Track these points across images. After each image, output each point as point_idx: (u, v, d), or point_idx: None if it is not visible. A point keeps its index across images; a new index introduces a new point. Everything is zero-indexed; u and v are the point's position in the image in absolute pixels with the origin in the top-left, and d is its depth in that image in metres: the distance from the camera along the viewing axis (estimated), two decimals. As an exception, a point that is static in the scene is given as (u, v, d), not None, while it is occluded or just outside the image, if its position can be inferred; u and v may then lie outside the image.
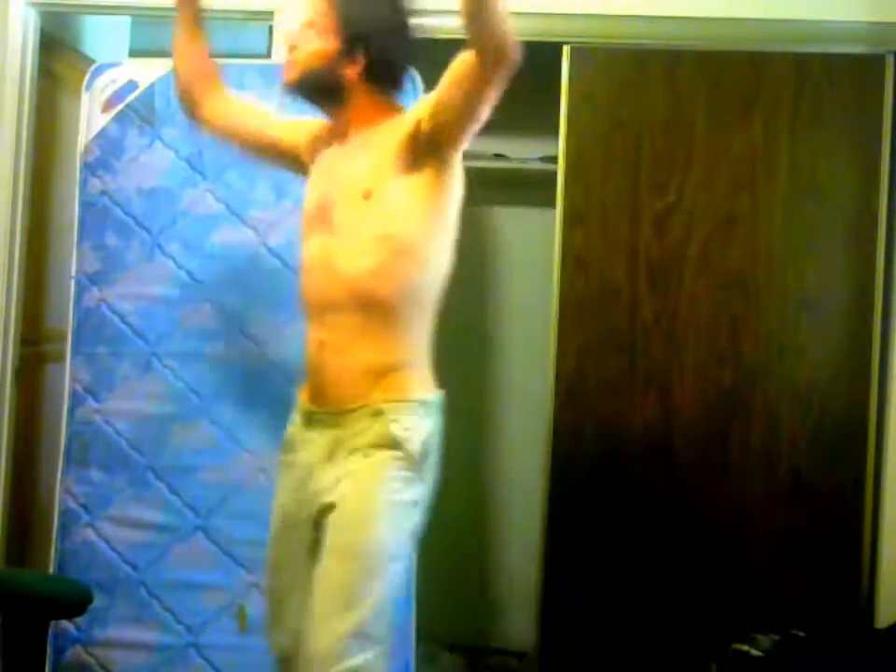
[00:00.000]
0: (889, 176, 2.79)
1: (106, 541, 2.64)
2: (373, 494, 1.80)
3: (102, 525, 2.65)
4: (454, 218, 1.92)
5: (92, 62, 2.97)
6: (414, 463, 1.82)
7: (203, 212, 2.70)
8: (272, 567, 1.99)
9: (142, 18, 3.23)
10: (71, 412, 2.70)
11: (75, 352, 2.72)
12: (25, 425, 3.07)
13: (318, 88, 1.96)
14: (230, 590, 2.57)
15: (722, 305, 2.81)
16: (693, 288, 2.81)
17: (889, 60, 2.77)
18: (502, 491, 3.53)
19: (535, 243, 3.30)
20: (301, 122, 2.14)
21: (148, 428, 2.66)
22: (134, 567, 2.62)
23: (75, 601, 2.08)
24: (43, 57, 3.02)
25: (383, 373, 1.86)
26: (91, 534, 2.64)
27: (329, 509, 1.82)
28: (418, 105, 1.93)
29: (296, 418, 1.98)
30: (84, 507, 2.66)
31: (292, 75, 1.96)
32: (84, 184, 2.75)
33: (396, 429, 1.82)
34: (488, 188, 3.45)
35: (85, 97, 2.78)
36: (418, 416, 1.85)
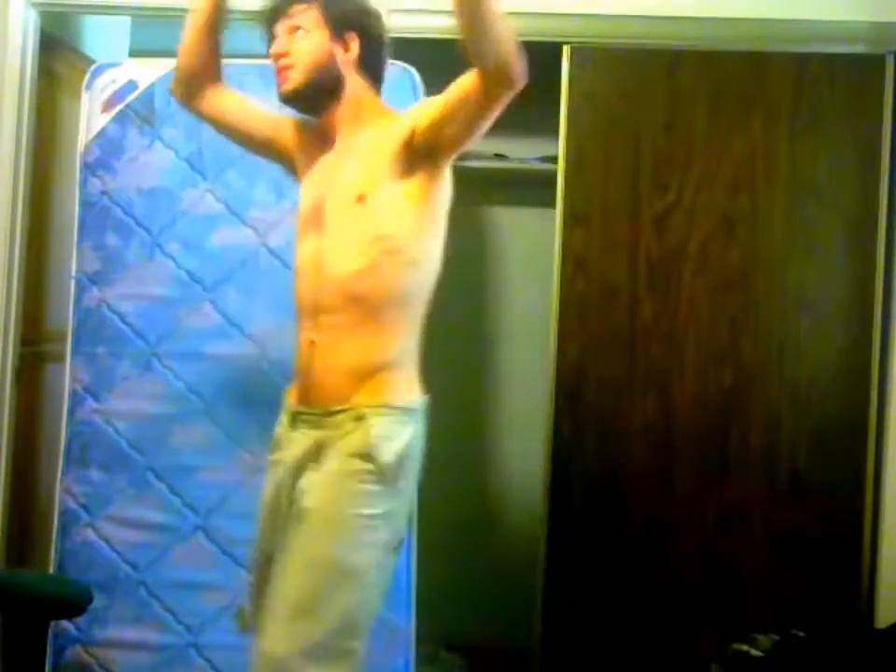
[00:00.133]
0: (889, 176, 2.79)
1: (106, 541, 2.64)
2: (336, 507, 1.81)
3: (102, 524, 2.65)
4: (443, 220, 1.94)
5: (92, 62, 2.97)
6: (385, 476, 1.81)
7: (202, 212, 2.70)
8: (256, 564, 2.00)
9: (142, 18, 3.22)
10: (71, 412, 2.70)
11: (75, 352, 2.72)
12: (25, 425, 3.07)
13: (321, 86, 1.95)
14: (230, 590, 2.57)
15: (722, 305, 2.81)
16: (692, 288, 2.81)
17: (889, 60, 2.77)
18: (502, 491, 3.53)
19: (535, 243, 3.30)
20: (294, 120, 2.13)
21: (148, 428, 2.66)
22: (134, 567, 2.62)
23: (75, 601, 2.08)
24: (43, 57, 3.01)
25: (369, 374, 1.86)
26: (90, 534, 2.64)
27: (304, 513, 1.83)
28: (414, 110, 1.93)
29: (283, 418, 1.99)
30: (84, 507, 2.66)
31: (295, 79, 1.94)
32: (84, 184, 2.75)
33: (374, 438, 1.81)
34: (488, 188, 3.46)
35: (85, 97, 2.78)
36: (400, 423, 1.85)
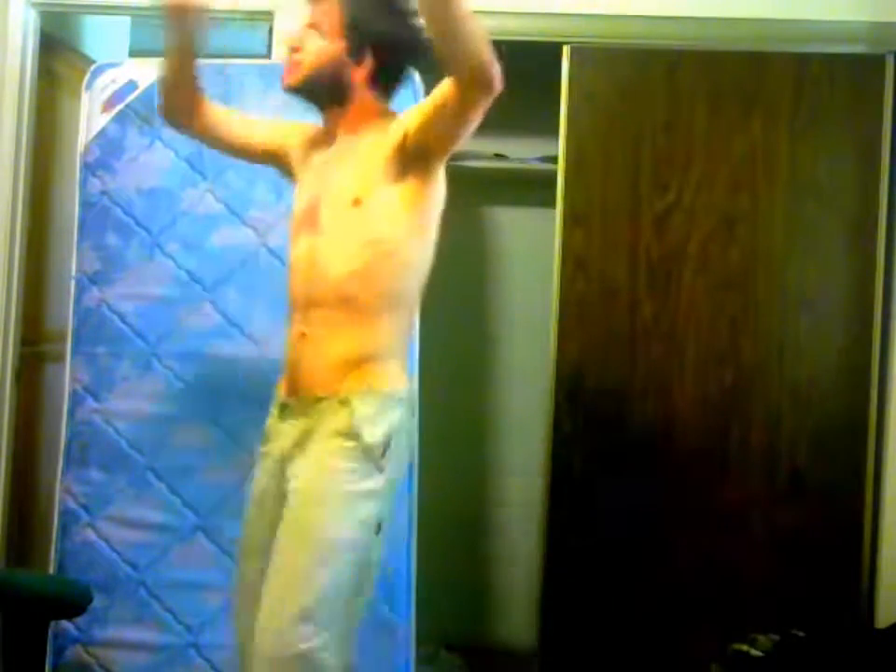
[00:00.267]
0: (889, 176, 2.79)
1: (106, 541, 2.63)
2: (324, 482, 1.84)
3: (102, 524, 2.64)
4: (437, 221, 1.95)
5: (92, 62, 2.97)
6: (371, 453, 1.84)
7: (203, 212, 2.70)
8: (243, 553, 2.03)
9: (142, 18, 3.23)
10: (71, 412, 2.70)
11: (75, 352, 2.71)
12: (25, 425, 3.07)
13: (323, 90, 1.95)
14: (230, 590, 2.57)
15: (722, 305, 2.81)
16: (692, 288, 2.82)
17: (889, 60, 2.77)
18: (502, 491, 3.53)
19: (535, 243, 3.30)
20: (293, 125, 2.14)
21: (148, 428, 2.65)
22: (134, 567, 2.61)
23: (75, 601, 2.08)
24: (43, 57, 3.02)
25: (356, 364, 1.89)
26: (90, 534, 2.64)
27: (291, 493, 1.86)
28: (407, 114, 1.93)
29: (273, 410, 2.02)
30: (84, 507, 2.66)
31: (297, 76, 1.95)
32: (84, 184, 2.75)
33: (357, 420, 1.84)
34: (488, 188, 3.46)
35: (85, 97, 2.78)
36: (384, 407, 1.88)
